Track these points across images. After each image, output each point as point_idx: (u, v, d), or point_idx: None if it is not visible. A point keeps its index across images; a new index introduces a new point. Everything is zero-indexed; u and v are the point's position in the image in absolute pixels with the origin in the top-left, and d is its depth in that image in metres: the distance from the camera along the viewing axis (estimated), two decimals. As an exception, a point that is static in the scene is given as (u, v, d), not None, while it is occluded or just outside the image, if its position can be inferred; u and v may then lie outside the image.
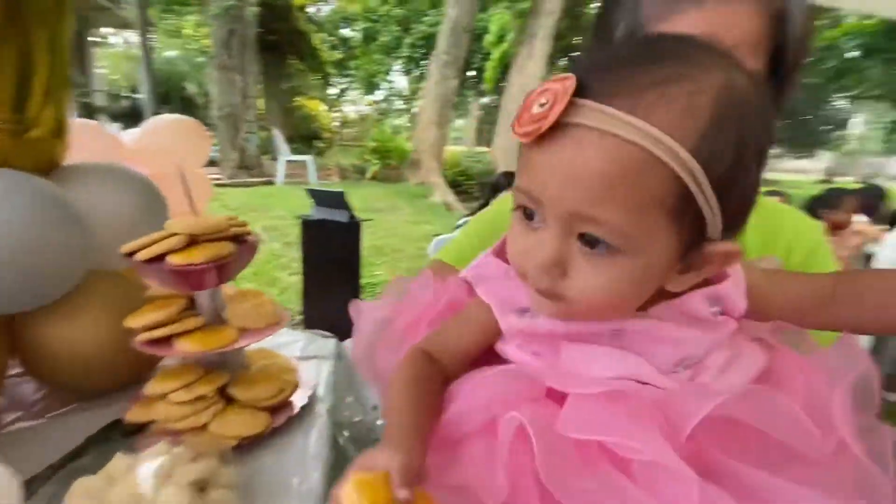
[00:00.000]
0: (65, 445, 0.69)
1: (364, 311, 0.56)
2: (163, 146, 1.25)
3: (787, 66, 0.49)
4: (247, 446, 0.73)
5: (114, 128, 1.31)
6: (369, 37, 17.39)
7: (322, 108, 16.91)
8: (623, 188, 0.30)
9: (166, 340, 0.75)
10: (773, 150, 0.36)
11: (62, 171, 0.88)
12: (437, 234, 5.23)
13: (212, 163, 6.82)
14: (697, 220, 0.32)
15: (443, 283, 0.53)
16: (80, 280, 0.80)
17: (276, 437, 0.76)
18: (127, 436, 0.74)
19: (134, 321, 0.75)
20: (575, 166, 0.31)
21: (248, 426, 0.75)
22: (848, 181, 14.87)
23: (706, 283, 0.38)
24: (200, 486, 0.57)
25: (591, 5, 12.16)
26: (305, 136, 14.57)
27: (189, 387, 0.74)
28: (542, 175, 0.33)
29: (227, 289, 0.85)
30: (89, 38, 13.87)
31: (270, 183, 6.96)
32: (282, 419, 0.79)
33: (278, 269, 3.94)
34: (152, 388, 0.75)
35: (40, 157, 0.83)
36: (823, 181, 15.97)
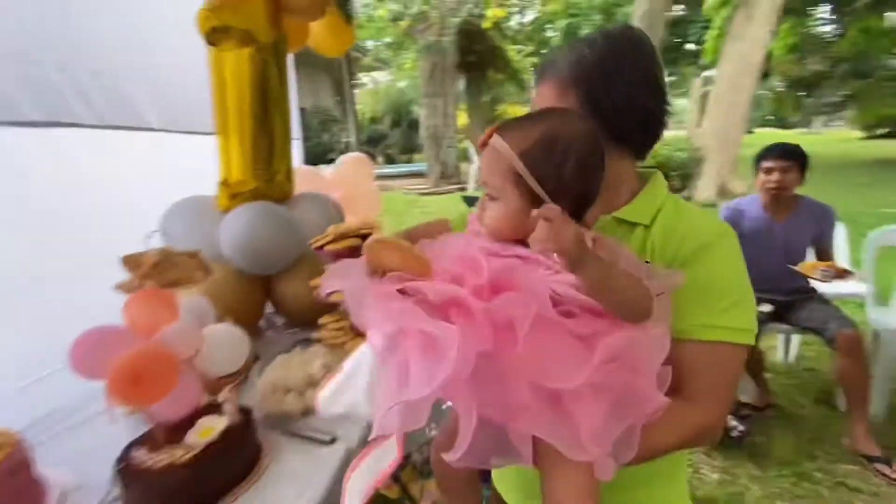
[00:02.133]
0: (291, 340, 1.32)
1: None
2: (345, 177, 1.93)
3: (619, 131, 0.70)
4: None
5: (321, 168, 2.07)
6: (569, 32, 17.35)
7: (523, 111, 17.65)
8: (495, 167, 0.62)
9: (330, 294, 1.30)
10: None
11: (291, 199, 1.55)
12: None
13: (420, 175, 8.18)
14: (527, 190, 0.61)
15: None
16: (295, 259, 1.44)
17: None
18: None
19: (315, 282, 1.33)
20: (485, 160, 0.64)
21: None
22: None
23: None
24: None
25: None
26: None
27: (338, 322, 1.28)
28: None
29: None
30: (353, 82, 18.22)
31: (465, 189, 7.96)
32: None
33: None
34: (324, 319, 1.31)
35: (279, 192, 1.51)
36: None
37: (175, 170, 1.59)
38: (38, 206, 1.20)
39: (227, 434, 0.82)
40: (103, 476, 0.82)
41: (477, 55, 11.18)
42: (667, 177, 0.82)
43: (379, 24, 9.59)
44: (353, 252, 1.26)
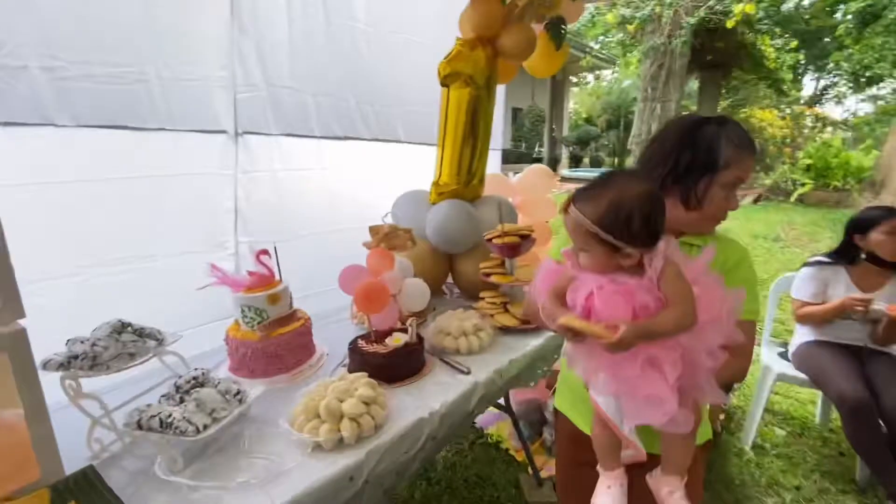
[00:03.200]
0: (459, 303, 1.79)
1: None
2: (527, 185, 2.30)
3: None
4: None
5: (510, 175, 2.51)
6: (869, 16, 13.42)
7: (776, 116, 14.80)
8: (578, 230, 0.83)
9: (489, 276, 1.72)
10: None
11: (478, 200, 2.02)
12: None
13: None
14: (607, 242, 0.83)
15: None
16: (472, 245, 1.90)
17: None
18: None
19: (482, 265, 1.76)
20: (569, 224, 0.85)
21: (508, 321, 1.61)
22: None
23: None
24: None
25: None
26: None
27: (493, 298, 1.69)
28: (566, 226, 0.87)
29: (519, 261, 1.74)
30: (571, 78, 18.31)
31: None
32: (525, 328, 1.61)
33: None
34: (483, 294, 1.74)
35: (472, 194, 1.98)
36: None
37: (409, 169, 2.24)
38: (336, 187, 1.97)
39: (407, 346, 1.33)
40: (341, 351, 1.42)
41: (717, 54, 9.88)
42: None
43: (605, 28, 9.42)
44: (512, 247, 1.65)
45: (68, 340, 1.06)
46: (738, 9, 6.27)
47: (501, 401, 2.11)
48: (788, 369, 2.37)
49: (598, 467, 1.02)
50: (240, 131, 1.58)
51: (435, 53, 1.82)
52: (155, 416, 0.97)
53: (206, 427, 0.97)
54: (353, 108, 1.98)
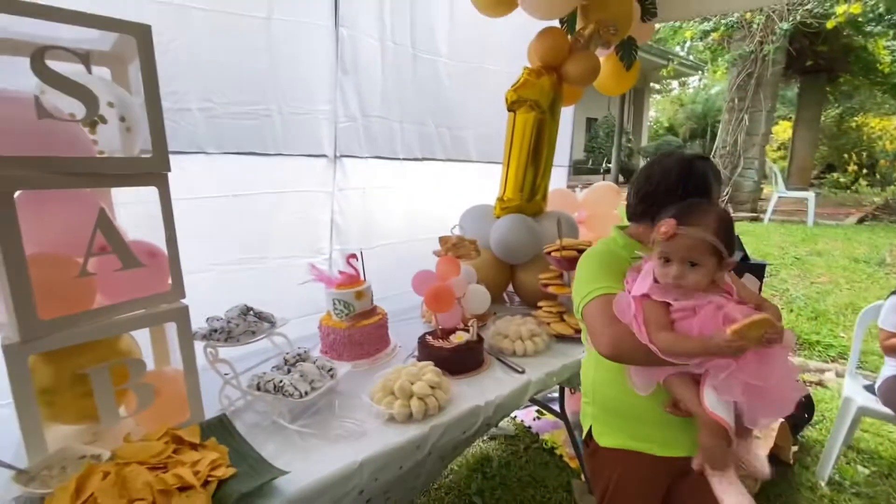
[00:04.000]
0: (518, 310, 1.95)
1: None
2: (593, 201, 2.39)
3: None
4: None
5: (577, 190, 2.63)
6: None
7: (892, 124, 13.09)
8: (697, 247, 0.95)
9: (547, 287, 1.85)
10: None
11: (541, 215, 2.16)
12: None
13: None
14: (718, 255, 0.98)
15: None
16: (532, 257, 2.05)
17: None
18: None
19: (542, 276, 1.90)
20: (684, 243, 0.96)
21: (563, 330, 1.74)
22: None
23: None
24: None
25: None
26: (862, 164, 11.96)
27: (550, 307, 1.82)
28: (672, 248, 0.97)
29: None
30: (652, 84, 17.58)
31: (758, 220, 6.83)
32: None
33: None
34: (542, 303, 1.88)
35: (534, 210, 2.14)
36: None
37: (476, 184, 2.45)
38: (413, 201, 2.25)
39: (468, 343, 1.51)
40: (412, 344, 1.64)
41: (820, 58, 9.00)
42: None
43: (687, 36, 8.99)
44: (570, 260, 1.78)
45: (208, 318, 1.38)
46: (840, 10, 5.72)
47: (557, 408, 2.21)
48: (873, 403, 2.22)
49: (711, 471, 1.01)
50: (338, 155, 1.89)
51: (506, 77, 2.02)
52: (270, 380, 1.25)
53: (307, 393, 1.23)
54: (432, 131, 2.24)
